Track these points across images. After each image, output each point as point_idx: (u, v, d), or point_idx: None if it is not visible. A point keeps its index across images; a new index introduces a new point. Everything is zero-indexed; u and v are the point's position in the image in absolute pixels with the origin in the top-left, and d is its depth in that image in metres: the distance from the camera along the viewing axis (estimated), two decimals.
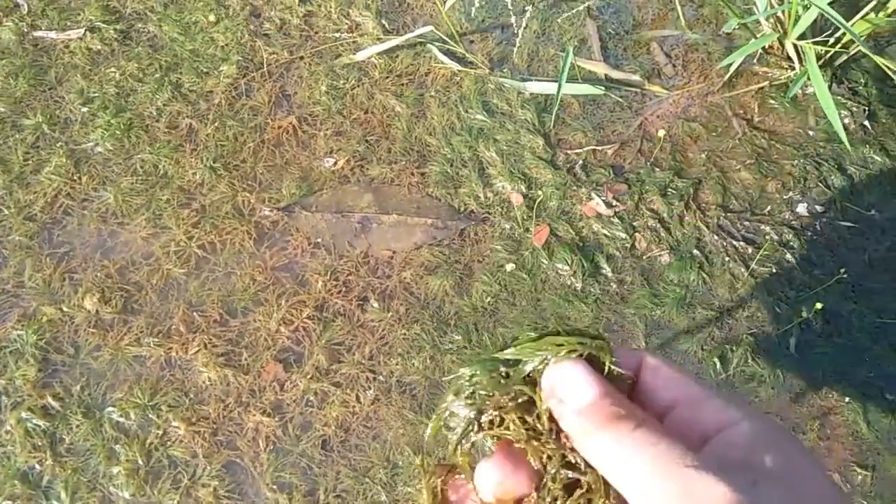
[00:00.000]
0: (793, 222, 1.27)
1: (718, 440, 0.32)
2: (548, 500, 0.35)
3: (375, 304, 1.22)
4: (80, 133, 1.38)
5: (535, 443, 0.35)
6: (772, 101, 1.37)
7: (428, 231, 1.28)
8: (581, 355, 0.35)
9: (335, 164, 1.35)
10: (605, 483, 0.33)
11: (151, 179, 1.34)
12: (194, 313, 1.22)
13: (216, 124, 1.39)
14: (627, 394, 0.35)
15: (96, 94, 1.42)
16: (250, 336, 1.20)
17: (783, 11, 1.28)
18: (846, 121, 1.34)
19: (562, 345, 0.36)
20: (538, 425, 0.35)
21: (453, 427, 0.37)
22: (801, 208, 1.27)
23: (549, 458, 0.35)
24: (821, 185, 1.29)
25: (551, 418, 0.35)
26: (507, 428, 0.36)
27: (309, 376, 1.16)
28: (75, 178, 1.33)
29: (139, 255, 1.27)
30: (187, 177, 1.34)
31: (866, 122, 1.34)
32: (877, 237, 1.25)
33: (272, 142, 1.37)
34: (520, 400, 0.36)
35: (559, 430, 0.35)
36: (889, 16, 1.24)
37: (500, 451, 0.36)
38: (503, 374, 0.37)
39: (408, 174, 1.34)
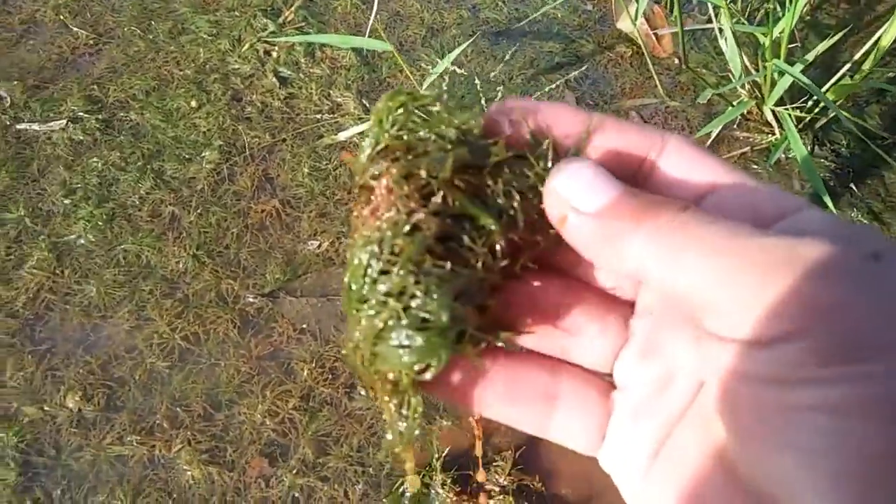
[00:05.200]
0: None
1: (786, 225, 0.24)
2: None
3: (363, 392, 1.20)
4: (63, 225, 1.37)
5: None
6: (755, 167, 1.37)
7: None
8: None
9: (319, 246, 1.34)
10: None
11: (134, 270, 1.32)
12: (178, 408, 1.19)
13: (199, 211, 1.38)
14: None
15: (79, 185, 1.42)
16: (235, 430, 1.17)
17: (759, 78, 1.29)
18: (831, 184, 1.34)
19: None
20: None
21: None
22: None
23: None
24: None
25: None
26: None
27: (295, 471, 1.13)
28: (57, 272, 1.32)
29: (122, 348, 1.25)
30: (170, 266, 1.32)
31: (852, 185, 1.33)
32: None
33: (256, 226, 1.37)
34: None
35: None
36: (864, 78, 1.25)
37: None
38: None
39: None
